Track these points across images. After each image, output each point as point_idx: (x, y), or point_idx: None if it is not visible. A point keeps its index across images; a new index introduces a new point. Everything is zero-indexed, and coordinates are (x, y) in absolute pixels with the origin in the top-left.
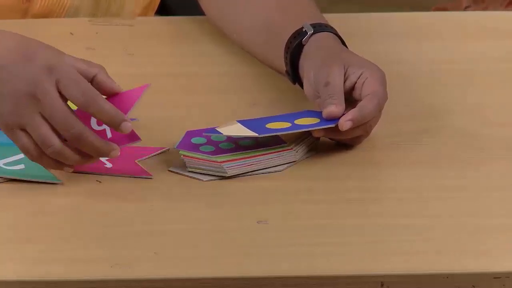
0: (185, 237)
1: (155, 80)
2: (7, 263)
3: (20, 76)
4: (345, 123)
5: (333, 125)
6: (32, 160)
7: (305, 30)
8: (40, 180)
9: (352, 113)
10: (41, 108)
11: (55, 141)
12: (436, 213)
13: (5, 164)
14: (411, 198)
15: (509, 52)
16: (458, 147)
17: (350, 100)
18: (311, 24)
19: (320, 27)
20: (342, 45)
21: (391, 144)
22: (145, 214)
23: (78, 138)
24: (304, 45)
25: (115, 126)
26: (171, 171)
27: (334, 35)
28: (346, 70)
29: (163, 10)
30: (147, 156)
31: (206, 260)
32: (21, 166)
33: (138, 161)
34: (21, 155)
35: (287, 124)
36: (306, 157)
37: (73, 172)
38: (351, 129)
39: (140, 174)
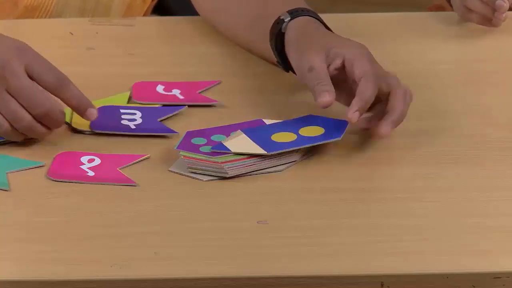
0: (185, 237)
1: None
2: (6, 263)
3: None
4: (353, 116)
5: (339, 139)
6: (4, 136)
7: (282, 18)
8: None
9: (355, 104)
10: (8, 86)
11: (26, 116)
12: (436, 213)
13: None
14: (411, 198)
15: (509, 52)
16: (458, 147)
17: (344, 86)
18: (288, 11)
19: (297, 13)
20: (324, 29)
21: (391, 144)
22: (145, 214)
23: (46, 116)
24: (284, 33)
25: (81, 111)
26: (171, 171)
27: (315, 19)
28: (329, 53)
29: (162, 10)
30: (128, 164)
31: (206, 260)
32: None
33: (123, 168)
34: None
35: (292, 136)
36: (306, 157)
37: (57, 181)
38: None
39: (124, 182)
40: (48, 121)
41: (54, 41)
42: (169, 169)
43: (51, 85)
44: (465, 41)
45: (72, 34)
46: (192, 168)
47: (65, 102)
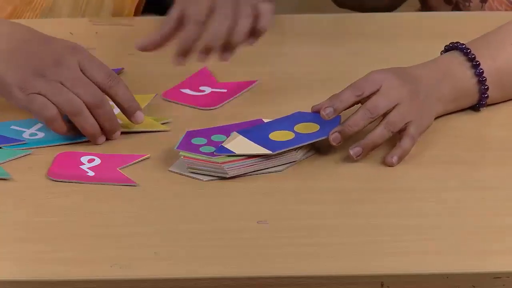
0: (185, 237)
1: (155, 80)
2: (6, 263)
3: (45, 51)
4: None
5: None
6: (46, 123)
7: None
8: None
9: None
10: (64, 79)
11: (79, 101)
12: (436, 213)
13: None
14: (411, 198)
15: None
16: (457, 147)
17: None
18: None
19: None
20: None
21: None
22: (145, 214)
23: (99, 105)
24: None
25: (130, 112)
26: (171, 171)
27: None
28: None
29: (162, 10)
30: (128, 164)
31: (206, 260)
32: None
33: (123, 168)
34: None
35: (290, 134)
36: (306, 157)
37: (57, 181)
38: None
39: (124, 182)
40: (100, 115)
41: None
42: (169, 169)
43: (101, 80)
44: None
45: (72, 34)
46: (191, 168)
47: (114, 101)
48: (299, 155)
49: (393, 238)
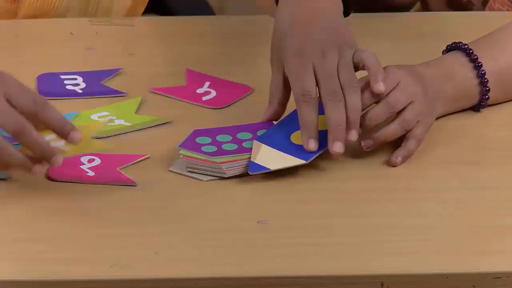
0: (185, 237)
1: (155, 80)
2: (6, 263)
3: None
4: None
5: None
6: None
7: None
8: None
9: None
10: None
11: None
12: (436, 213)
13: None
14: (411, 198)
15: None
16: (458, 147)
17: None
18: None
19: None
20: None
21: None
22: (145, 214)
23: (22, 132)
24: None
25: (64, 134)
26: (171, 171)
27: None
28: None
29: (163, 10)
30: (128, 164)
31: (206, 260)
32: None
33: (123, 168)
34: None
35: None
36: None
37: (57, 181)
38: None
39: (124, 182)
40: (24, 143)
41: (54, 41)
42: (169, 169)
43: (27, 108)
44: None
45: (72, 34)
46: (190, 167)
47: (45, 125)
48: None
49: (393, 238)
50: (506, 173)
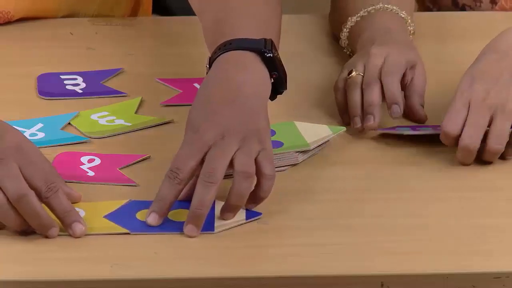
0: (185, 237)
1: (154, 80)
2: (6, 263)
3: None
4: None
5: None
6: None
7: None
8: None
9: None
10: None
11: (2, 198)
12: (436, 213)
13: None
14: (411, 198)
15: None
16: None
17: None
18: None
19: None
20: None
21: (391, 144)
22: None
23: (21, 200)
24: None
25: (65, 225)
26: None
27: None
28: None
29: (163, 10)
30: (128, 164)
31: (206, 260)
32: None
33: (123, 168)
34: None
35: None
36: (307, 157)
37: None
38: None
39: (124, 182)
40: (21, 210)
41: (54, 41)
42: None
43: (38, 188)
44: (465, 41)
45: (72, 34)
46: None
47: (50, 208)
48: (301, 157)
49: (393, 238)
50: (505, 173)
